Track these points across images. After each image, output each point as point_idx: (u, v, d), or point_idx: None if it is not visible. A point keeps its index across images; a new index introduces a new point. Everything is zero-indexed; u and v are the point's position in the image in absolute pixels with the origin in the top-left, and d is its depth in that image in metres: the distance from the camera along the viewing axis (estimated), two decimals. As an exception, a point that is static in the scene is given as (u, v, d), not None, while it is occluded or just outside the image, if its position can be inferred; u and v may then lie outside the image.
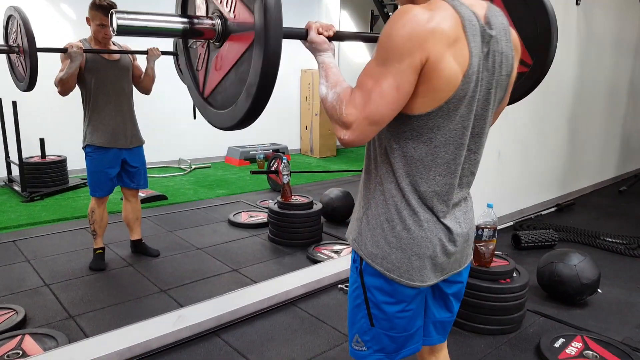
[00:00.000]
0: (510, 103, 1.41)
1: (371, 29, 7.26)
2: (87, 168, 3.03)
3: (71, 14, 5.52)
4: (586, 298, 2.80)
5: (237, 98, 1.12)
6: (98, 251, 3.19)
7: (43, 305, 2.67)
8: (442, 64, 1.00)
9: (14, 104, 4.58)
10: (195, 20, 1.15)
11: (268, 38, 0.99)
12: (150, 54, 3.12)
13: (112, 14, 1.06)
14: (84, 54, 2.83)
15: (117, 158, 3.05)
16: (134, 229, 3.36)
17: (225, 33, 1.15)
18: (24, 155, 4.77)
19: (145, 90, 3.21)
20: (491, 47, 1.09)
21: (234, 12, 1.10)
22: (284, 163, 3.88)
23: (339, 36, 1.33)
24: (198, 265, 3.28)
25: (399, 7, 1.07)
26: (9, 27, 2.73)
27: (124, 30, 1.06)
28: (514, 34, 1.18)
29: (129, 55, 3.08)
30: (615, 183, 6.09)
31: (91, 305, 2.69)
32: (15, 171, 4.94)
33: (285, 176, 3.80)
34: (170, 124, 6.06)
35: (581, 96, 5.07)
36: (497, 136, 4.06)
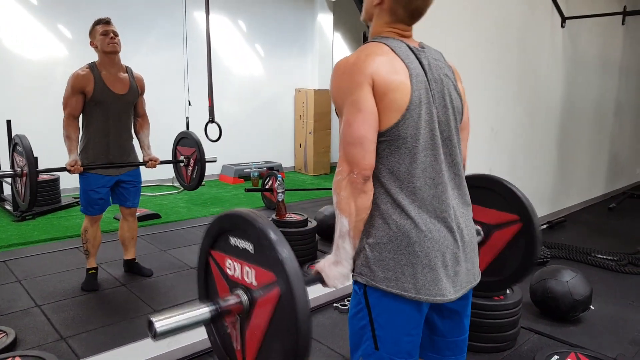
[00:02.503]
0: (524, 274, 1.75)
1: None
2: (80, 186, 3.03)
3: (67, 34, 5.57)
4: (579, 315, 2.81)
5: None
6: (91, 271, 3.17)
7: (34, 326, 2.64)
8: (386, 78, 1.15)
9: (8, 122, 4.58)
10: (222, 303, 1.18)
11: (293, 287, 1.05)
12: (149, 166, 3.20)
13: (150, 322, 1.07)
14: (93, 82, 2.85)
15: (110, 179, 3.06)
16: (128, 248, 3.35)
17: (252, 302, 1.17)
18: (17, 175, 4.75)
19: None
20: (430, 62, 1.24)
21: (255, 279, 1.15)
22: (279, 181, 3.90)
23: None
24: (192, 284, 3.23)
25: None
26: (16, 153, 2.88)
27: (164, 334, 1.08)
28: (448, 61, 1.34)
29: (138, 86, 3.09)
30: (604, 200, 6.15)
31: (83, 326, 2.66)
32: (7, 190, 4.91)
33: (279, 194, 3.82)
34: (164, 142, 6.08)
35: (569, 115, 5.16)
36: (487, 154, 4.14)
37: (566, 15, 4.62)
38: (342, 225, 1.17)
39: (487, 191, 1.84)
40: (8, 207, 4.80)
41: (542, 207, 5.01)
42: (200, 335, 2.42)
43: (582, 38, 5.10)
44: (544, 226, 4.87)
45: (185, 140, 3.60)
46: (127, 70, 3.06)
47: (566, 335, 2.66)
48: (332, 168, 7.92)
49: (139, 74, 3.13)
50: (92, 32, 2.89)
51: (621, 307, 3.07)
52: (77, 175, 3.00)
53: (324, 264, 1.23)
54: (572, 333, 2.71)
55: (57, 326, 2.65)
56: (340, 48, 8.20)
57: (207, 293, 1.38)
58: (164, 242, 4.12)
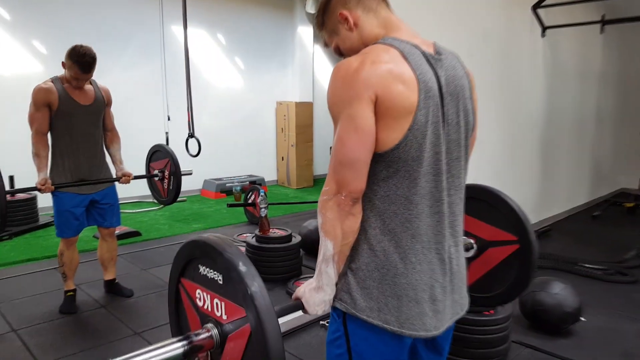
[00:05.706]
0: (513, 295, 1.75)
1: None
2: (54, 207, 2.92)
3: (42, 49, 5.44)
4: (569, 326, 2.79)
5: None
6: (69, 293, 3.06)
7: (10, 352, 2.53)
8: (390, 92, 1.02)
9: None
10: (193, 338, 1.12)
11: (265, 324, 1.00)
12: (123, 182, 3.11)
13: None
14: (57, 94, 2.76)
15: (85, 198, 2.95)
16: (108, 268, 3.24)
17: (223, 338, 1.12)
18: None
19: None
20: (447, 72, 1.12)
21: (225, 312, 1.11)
22: (262, 196, 3.83)
23: None
24: (174, 304, 3.16)
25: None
26: None
27: None
28: (465, 65, 1.21)
29: (104, 97, 3.00)
30: (588, 208, 6.21)
31: (61, 351, 2.55)
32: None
33: (262, 209, 3.75)
34: (144, 157, 5.99)
35: (550, 124, 5.20)
36: (471, 165, 4.12)
37: (546, 24, 4.67)
38: (327, 249, 1.08)
39: (486, 205, 1.80)
40: (-18, 227, 4.63)
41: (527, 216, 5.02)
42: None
43: (562, 47, 5.17)
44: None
45: (158, 153, 3.51)
46: (92, 82, 2.96)
47: (558, 349, 2.63)
48: (315, 181, 7.87)
49: (104, 86, 3.03)
50: (68, 61, 2.74)
51: (611, 318, 3.05)
52: (51, 195, 2.89)
53: (304, 290, 1.15)
54: (563, 346, 2.68)
55: (33, 352, 2.54)
56: (320, 60, 8.21)
57: (178, 323, 1.31)
58: (144, 260, 4.00)
